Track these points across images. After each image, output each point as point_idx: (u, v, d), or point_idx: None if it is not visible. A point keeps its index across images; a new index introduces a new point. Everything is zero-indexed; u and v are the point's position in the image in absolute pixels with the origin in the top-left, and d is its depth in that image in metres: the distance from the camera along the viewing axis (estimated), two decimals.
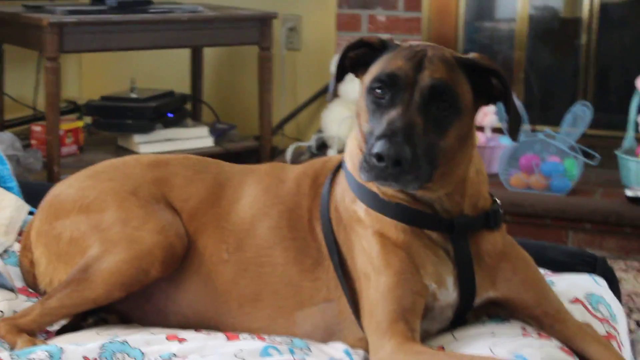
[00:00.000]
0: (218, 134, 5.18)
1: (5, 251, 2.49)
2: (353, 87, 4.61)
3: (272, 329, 2.09)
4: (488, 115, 4.64)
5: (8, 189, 2.82)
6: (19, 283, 2.33)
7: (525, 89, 5.05)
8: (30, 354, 1.88)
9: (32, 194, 2.76)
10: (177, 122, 5.06)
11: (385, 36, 2.02)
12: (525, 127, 4.42)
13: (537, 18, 5.05)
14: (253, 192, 2.19)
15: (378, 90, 1.91)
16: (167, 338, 2.01)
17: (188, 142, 5.00)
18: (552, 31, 5.07)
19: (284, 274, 2.10)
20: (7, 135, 4.63)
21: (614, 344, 2.13)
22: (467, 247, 2.01)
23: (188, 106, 5.30)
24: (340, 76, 2.04)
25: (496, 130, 4.80)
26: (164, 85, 5.28)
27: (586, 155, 4.41)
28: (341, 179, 2.10)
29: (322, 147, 5.15)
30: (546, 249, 2.58)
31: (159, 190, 2.22)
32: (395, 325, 1.91)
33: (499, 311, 2.10)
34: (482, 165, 2.08)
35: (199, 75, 5.45)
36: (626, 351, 2.19)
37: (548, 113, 5.03)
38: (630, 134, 4.53)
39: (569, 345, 2.02)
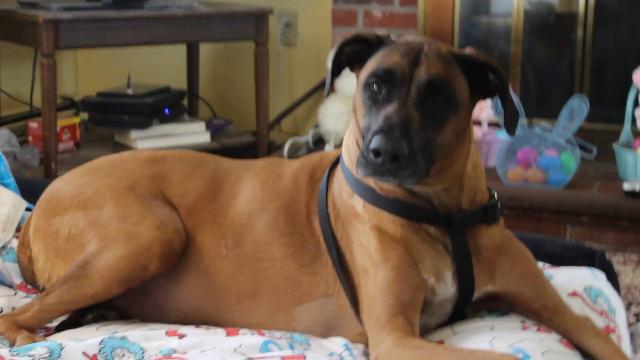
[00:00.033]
0: (215, 129, 5.18)
1: (3, 247, 2.49)
2: (349, 82, 4.62)
3: (271, 324, 2.09)
4: (485, 109, 4.64)
5: (5, 185, 2.82)
6: (17, 279, 2.34)
7: (522, 83, 5.05)
8: (30, 351, 1.88)
9: (30, 191, 2.77)
10: (173, 118, 5.05)
11: (381, 31, 2.01)
12: (522, 121, 4.42)
13: (532, 13, 5.05)
14: (250, 187, 2.20)
15: (374, 86, 1.91)
16: (167, 334, 2.01)
17: (185, 137, 4.99)
18: (548, 26, 5.07)
19: (282, 269, 2.10)
20: (3, 132, 4.63)
21: (613, 337, 2.13)
22: (465, 242, 2.01)
23: (184, 102, 5.30)
24: (336, 71, 2.04)
25: (493, 125, 4.80)
26: (160, 81, 5.28)
27: (583, 148, 4.41)
28: (338, 174, 2.10)
29: (319, 142, 5.15)
30: (544, 242, 2.59)
31: (156, 186, 2.22)
32: (394, 320, 1.91)
33: (498, 305, 2.11)
34: (480, 159, 2.08)
35: (195, 71, 5.44)
36: (625, 344, 2.19)
37: (545, 107, 5.03)
38: (627, 127, 4.53)
39: (568, 338, 2.02)
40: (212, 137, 5.11)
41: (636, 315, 3.56)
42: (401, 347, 1.86)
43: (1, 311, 2.19)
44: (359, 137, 1.96)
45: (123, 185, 2.21)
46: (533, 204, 4.35)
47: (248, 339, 1.97)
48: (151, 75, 5.45)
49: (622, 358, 2.00)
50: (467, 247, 2.01)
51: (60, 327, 2.18)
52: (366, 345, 1.99)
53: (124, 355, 1.93)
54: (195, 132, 5.06)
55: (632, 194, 4.26)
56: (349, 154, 2.05)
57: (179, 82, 5.41)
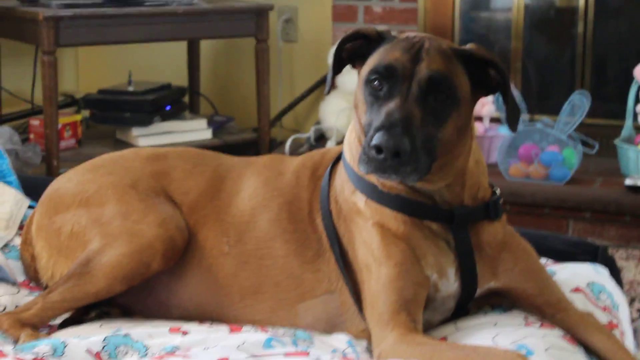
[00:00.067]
0: (216, 126, 5.18)
1: (6, 245, 2.49)
2: (351, 78, 4.62)
3: (274, 321, 2.09)
4: (486, 105, 4.63)
5: (7, 183, 2.82)
6: (20, 277, 2.34)
7: (523, 78, 5.04)
8: (33, 348, 1.88)
9: (32, 188, 2.77)
10: (175, 115, 5.05)
11: (381, 27, 2.01)
12: (524, 116, 4.41)
13: (533, 8, 5.04)
14: (252, 184, 2.19)
15: (375, 82, 1.91)
16: (170, 331, 2.02)
17: (186, 134, 4.99)
18: (548, 21, 5.06)
19: (284, 266, 2.10)
20: (5, 130, 4.63)
21: (616, 332, 2.13)
22: (468, 238, 2.01)
23: (186, 99, 5.29)
24: (337, 68, 2.04)
25: (495, 120, 4.80)
26: (161, 78, 5.27)
27: (585, 144, 4.41)
28: (340, 171, 2.10)
29: (321, 138, 5.15)
30: (547, 238, 2.58)
31: (158, 184, 2.22)
32: (397, 317, 1.91)
33: (501, 301, 2.11)
34: (482, 155, 2.08)
35: (196, 68, 5.44)
36: (628, 340, 2.19)
37: (546, 102, 5.02)
38: (628, 122, 4.52)
39: (571, 334, 2.02)
40: (214, 134, 5.10)
41: (639, 310, 3.56)
42: (404, 344, 1.86)
43: (4, 309, 2.19)
44: (361, 133, 1.96)
45: (125, 182, 2.21)
46: (535, 199, 4.35)
47: (251, 336, 1.98)
48: (152, 72, 5.44)
49: (625, 354, 2.00)
50: (470, 243, 2.01)
51: (64, 325, 2.19)
52: (369, 341, 1.99)
53: (127, 352, 1.93)
54: (197, 129, 5.05)
55: (634, 189, 4.26)
56: (351, 150, 2.05)
57: (180, 79, 5.41)
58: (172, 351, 1.92)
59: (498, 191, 2.09)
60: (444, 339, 1.99)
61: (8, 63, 5.17)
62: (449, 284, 2.01)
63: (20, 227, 2.58)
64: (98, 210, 2.17)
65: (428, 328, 2.03)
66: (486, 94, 2.01)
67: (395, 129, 1.81)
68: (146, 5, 4.71)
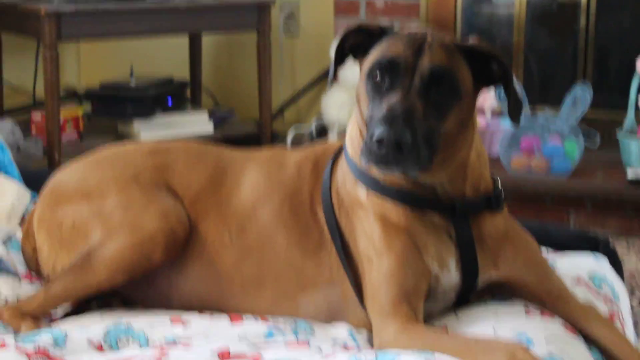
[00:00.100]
0: (218, 119, 5.18)
1: (8, 238, 2.49)
2: (352, 72, 4.59)
3: (275, 312, 2.09)
4: (488, 98, 4.63)
5: (9, 176, 2.82)
6: (22, 269, 2.34)
7: (525, 71, 5.04)
8: (34, 339, 1.89)
9: (33, 181, 2.77)
10: (176, 109, 5.05)
11: (383, 21, 2.01)
12: (526, 109, 4.41)
13: (535, 1, 5.04)
14: (254, 177, 2.20)
15: (378, 76, 1.91)
16: (171, 321, 2.02)
17: (188, 128, 4.99)
18: (550, 14, 5.06)
19: (286, 258, 2.10)
20: (7, 123, 4.64)
21: (617, 323, 2.13)
22: (469, 230, 2.01)
23: (187, 92, 5.30)
24: (339, 62, 2.04)
25: (496, 113, 4.80)
26: (162, 72, 5.28)
27: (587, 136, 4.41)
28: (342, 164, 2.10)
29: (322, 132, 5.15)
30: (548, 230, 2.58)
31: (160, 177, 2.23)
32: (399, 308, 1.91)
33: (502, 292, 2.11)
34: (483, 148, 2.08)
35: (197, 62, 5.44)
36: (629, 330, 2.20)
37: (548, 95, 5.02)
38: (630, 115, 4.52)
39: (572, 324, 2.01)
40: (215, 127, 5.11)
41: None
42: (405, 334, 1.86)
43: (6, 301, 2.19)
44: (363, 126, 1.96)
45: (127, 175, 2.21)
46: (537, 192, 4.35)
47: (252, 326, 1.98)
48: (154, 66, 5.45)
49: (625, 344, 2.00)
50: (471, 235, 2.01)
51: (65, 316, 2.19)
52: (370, 332, 1.99)
53: (128, 342, 1.93)
54: (198, 123, 5.06)
55: (636, 182, 4.26)
56: (353, 143, 2.06)
57: (182, 72, 5.41)
58: (174, 341, 1.92)
59: (500, 183, 2.09)
60: (445, 327, 1.99)
61: (10, 57, 5.18)
62: (450, 276, 2.01)
63: (22, 220, 2.58)
64: (99, 203, 2.17)
65: (429, 319, 2.03)
66: (488, 88, 2.01)
67: (397, 121, 1.81)
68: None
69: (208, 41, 5.53)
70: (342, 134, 4.67)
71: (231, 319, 2.04)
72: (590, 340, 2.01)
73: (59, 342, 1.88)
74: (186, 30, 5.12)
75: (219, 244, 2.15)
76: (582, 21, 4.90)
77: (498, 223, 2.06)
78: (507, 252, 2.05)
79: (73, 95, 5.51)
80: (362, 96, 1.95)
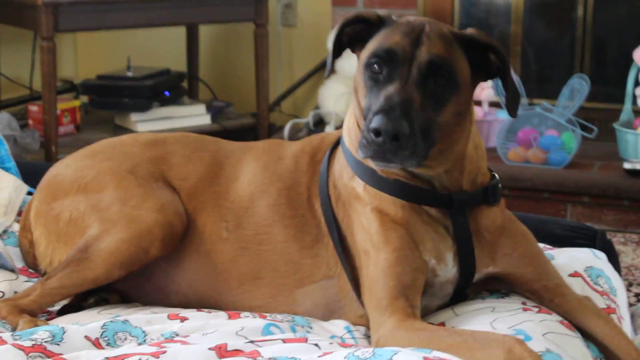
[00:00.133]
0: (215, 111, 5.18)
1: (5, 231, 2.49)
2: (350, 63, 4.61)
3: (273, 307, 2.09)
4: (485, 89, 4.63)
5: (6, 169, 2.82)
6: (19, 263, 2.34)
7: (522, 62, 5.04)
8: (32, 334, 1.88)
9: (30, 174, 2.77)
10: (173, 100, 5.05)
11: (381, 11, 2.01)
12: (523, 101, 4.41)
13: None
14: (251, 169, 2.19)
15: (375, 66, 1.90)
16: (169, 317, 2.01)
17: (185, 120, 4.99)
18: (548, 4, 5.05)
19: (283, 252, 2.10)
20: (4, 115, 4.63)
21: (614, 317, 2.13)
22: (466, 223, 2.01)
23: (184, 84, 5.29)
24: (337, 52, 2.03)
25: (494, 105, 4.80)
26: (160, 64, 5.27)
27: (584, 128, 4.41)
28: (339, 156, 2.10)
29: (320, 123, 5.15)
30: (545, 223, 2.59)
31: (157, 169, 2.22)
32: (396, 302, 1.91)
33: (499, 286, 2.11)
34: (481, 140, 2.08)
35: (195, 53, 5.44)
36: (626, 324, 2.20)
37: (545, 86, 5.02)
38: (627, 106, 4.52)
39: (569, 319, 2.02)
40: (213, 119, 5.10)
41: (637, 295, 3.56)
42: (402, 330, 1.86)
43: (3, 295, 2.19)
44: (360, 117, 1.95)
45: (124, 168, 2.21)
46: (534, 184, 4.35)
47: (250, 322, 1.98)
48: (151, 58, 5.44)
49: (623, 338, 2.00)
50: (468, 228, 2.01)
51: (62, 311, 2.19)
52: (368, 327, 1.99)
53: (126, 338, 1.93)
54: (196, 114, 5.05)
55: (633, 173, 4.26)
56: (350, 135, 2.05)
57: (179, 64, 5.40)
58: (171, 337, 1.92)
59: (497, 176, 2.09)
60: (442, 324, 1.99)
61: (7, 49, 5.17)
62: (447, 269, 2.01)
63: (19, 213, 2.58)
64: (96, 196, 2.17)
65: (426, 313, 2.03)
66: (486, 79, 2.01)
67: (395, 112, 1.81)
68: None
69: (205, 32, 5.52)
70: (339, 125, 4.67)
71: (229, 315, 2.04)
72: (587, 335, 2.02)
73: (56, 338, 1.87)
74: (183, 22, 5.11)
75: (216, 237, 2.15)
76: (580, 12, 4.89)
77: (495, 216, 2.05)
78: (505, 245, 2.05)
79: (70, 87, 5.51)
80: (359, 87, 1.94)
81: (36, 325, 1.98)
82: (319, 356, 1.79)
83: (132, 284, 2.18)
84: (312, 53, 5.36)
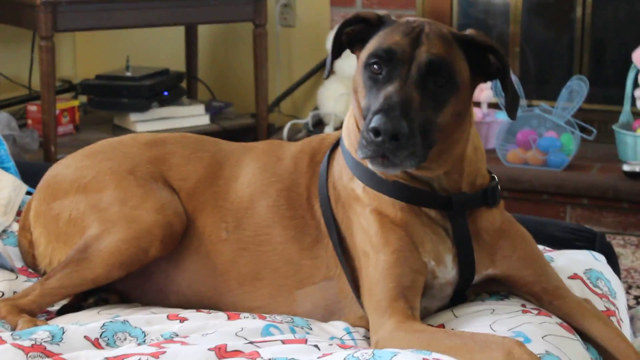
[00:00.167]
0: (214, 111, 5.18)
1: (4, 231, 2.49)
2: (349, 63, 4.61)
3: (273, 308, 2.09)
4: (484, 90, 4.63)
5: (5, 169, 2.82)
6: (18, 263, 2.34)
7: (521, 63, 5.04)
8: (31, 334, 1.88)
9: (29, 174, 2.77)
10: (172, 101, 5.05)
11: (380, 11, 2.01)
12: (522, 102, 4.41)
13: None
14: (251, 170, 2.19)
15: (375, 66, 1.90)
16: (169, 317, 2.01)
17: (184, 120, 4.99)
18: (546, 5, 5.06)
19: (283, 253, 2.10)
20: (3, 115, 4.63)
21: (613, 320, 2.13)
22: (466, 225, 2.01)
23: (183, 84, 5.29)
24: (336, 52, 2.03)
25: (492, 106, 4.80)
26: (158, 64, 5.27)
27: (583, 130, 4.41)
28: (339, 157, 2.10)
29: (319, 124, 5.15)
30: (545, 225, 2.59)
31: (157, 169, 2.22)
32: (395, 304, 1.91)
33: (499, 288, 2.11)
34: (480, 142, 2.08)
35: (194, 53, 5.43)
36: (625, 327, 2.20)
37: (544, 88, 5.02)
38: (626, 108, 4.53)
39: (569, 321, 2.02)
40: (212, 119, 5.10)
41: (636, 298, 3.56)
42: (402, 331, 1.86)
43: (2, 295, 2.19)
44: (359, 117, 1.95)
45: (123, 168, 2.21)
46: (533, 185, 4.36)
47: (249, 323, 1.98)
48: (150, 58, 5.44)
49: (622, 341, 2.00)
50: (468, 230, 2.01)
51: (62, 311, 2.19)
52: (367, 329, 1.99)
53: (125, 339, 1.93)
54: (195, 115, 5.05)
55: (632, 176, 4.26)
56: (349, 136, 2.05)
57: (178, 64, 5.40)
58: (171, 338, 1.91)
59: (496, 178, 2.09)
60: (442, 326, 1.99)
61: (5, 48, 5.17)
62: (447, 271, 2.01)
63: (18, 213, 2.58)
64: (96, 196, 2.17)
65: (426, 315, 2.03)
66: (485, 80, 2.01)
67: (394, 112, 1.81)
68: None
69: (204, 32, 5.52)
70: (338, 126, 4.67)
71: (228, 316, 2.04)
72: (586, 337, 2.02)
73: (56, 338, 1.87)
74: (182, 22, 5.11)
75: (215, 238, 2.15)
76: (579, 12, 4.89)
77: (494, 218, 2.05)
78: (504, 247, 2.05)
79: (69, 87, 5.51)
80: (359, 87, 1.94)
81: (36, 325, 1.98)
82: (319, 357, 1.79)
83: (131, 284, 2.18)
84: (311, 53, 5.36)
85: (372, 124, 1.80)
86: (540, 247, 2.26)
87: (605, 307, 2.17)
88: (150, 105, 4.89)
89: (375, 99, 1.87)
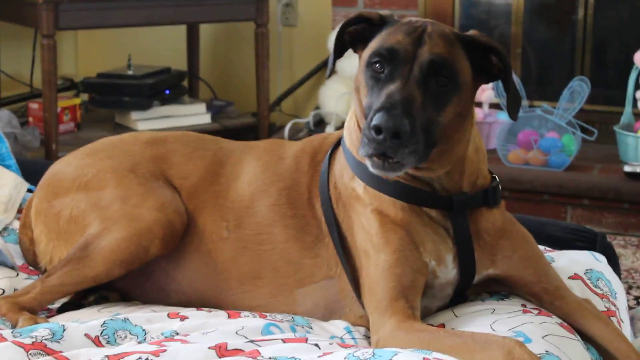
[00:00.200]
0: (215, 110, 5.18)
1: (5, 229, 2.49)
2: (350, 63, 4.61)
3: (273, 307, 2.09)
4: (486, 91, 4.63)
5: (6, 166, 2.82)
6: (19, 261, 2.34)
7: (523, 64, 5.04)
8: (32, 332, 1.88)
9: (31, 172, 2.77)
10: (174, 99, 5.05)
11: (382, 11, 2.01)
12: (523, 102, 4.41)
13: None
14: (252, 169, 2.19)
15: (377, 65, 1.90)
16: (169, 316, 2.02)
17: (185, 119, 4.99)
18: (548, 6, 5.06)
19: (284, 252, 2.10)
20: (4, 113, 4.63)
21: (614, 320, 2.13)
22: (466, 225, 2.01)
23: (185, 83, 5.29)
24: (339, 52, 2.03)
25: (494, 106, 4.80)
26: (160, 62, 5.27)
27: (584, 130, 4.41)
28: (340, 156, 2.10)
29: (320, 123, 5.15)
30: (545, 225, 2.59)
31: (157, 168, 2.22)
32: (396, 303, 1.91)
33: (499, 288, 2.11)
34: (482, 143, 2.08)
35: (195, 52, 5.43)
36: (626, 327, 2.20)
37: (545, 88, 5.02)
38: (628, 109, 4.52)
39: (569, 321, 2.02)
40: (213, 118, 5.10)
41: (636, 298, 3.56)
42: (402, 331, 1.86)
43: (3, 292, 2.19)
44: (361, 117, 1.95)
45: (124, 166, 2.21)
46: (534, 186, 4.35)
47: (250, 322, 1.98)
48: (151, 56, 5.44)
49: (622, 341, 2.00)
50: (468, 230, 2.01)
51: (62, 309, 2.19)
52: (367, 328, 1.99)
53: (126, 337, 1.93)
54: (196, 114, 5.05)
55: (633, 176, 4.26)
56: (351, 136, 2.05)
57: (179, 63, 5.40)
58: (171, 336, 1.92)
59: (497, 178, 2.09)
60: (442, 325, 1.99)
61: (7, 46, 5.17)
62: (447, 271, 2.01)
63: (19, 211, 2.58)
64: (97, 194, 2.17)
65: (426, 315, 2.03)
66: (487, 81, 2.01)
67: (396, 110, 1.80)
68: None
69: (206, 31, 5.52)
70: (339, 126, 4.67)
71: (229, 314, 2.04)
72: (587, 337, 2.02)
73: (56, 336, 1.88)
74: (184, 20, 5.10)
75: (216, 236, 2.15)
76: (580, 13, 4.89)
77: (495, 218, 2.05)
78: (504, 247, 2.05)
79: (70, 85, 5.51)
80: (361, 86, 1.94)
81: (36, 323, 1.98)
82: (319, 356, 1.80)
83: (132, 282, 2.19)
84: (313, 53, 5.36)
85: (374, 122, 1.80)
86: (541, 247, 2.26)
87: (606, 307, 2.17)
88: (152, 104, 4.89)
89: (377, 98, 1.86)
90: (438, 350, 1.78)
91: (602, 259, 2.36)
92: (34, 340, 1.85)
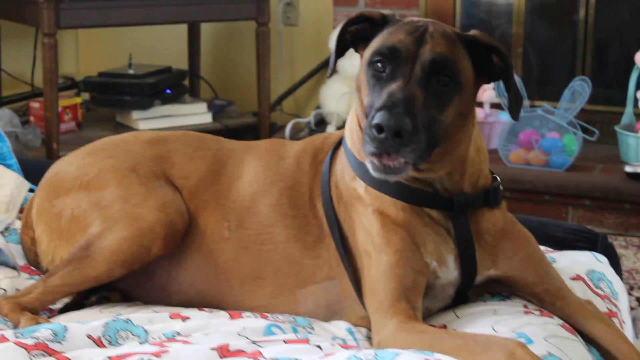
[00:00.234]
0: (216, 110, 5.18)
1: (7, 228, 2.49)
2: (351, 62, 4.61)
3: (274, 307, 2.09)
4: (487, 90, 4.63)
5: (8, 166, 2.82)
6: (21, 261, 2.34)
7: (524, 64, 5.04)
8: (34, 332, 1.88)
9: (32, 171, 2.77)
10: (175, 99, 5.05)
11: (383, 11, 2.01)
12: (524, 102, 4.41)
13: None
14: (253, 169, 2.19)
15: (378, 64, 1.90)
16: (171, 316, 2.01)
17: (186, 118, 4.99)
18: (549, 6, 5.06)
19: (285, 252, 2.10)
20: (5, 112, 4.63)
21: (615, 321, 2.13)
22: (468, 226, 2.01)
23: (186, 82, 5.29)
24: (340, 51, 2.03)
25: (495, 106, 4.80)
26: (161, 61, 5.27)
27: (585, 131, 4.41)
28: (341, 156, 2.10)
29: (321, 123, 5.15)
30: (547, 226, 2.58)
31: (159, 167, 2.22)
32: (397, 304, 1.91)
33: (501, 289, 2.11)
34: (483, 143, 2.08)
35: (196, 51, 5.44)
36: (627, 328, 2.20)
37: (546, 88, 5.02)
38: (629, 109, 4.52)
39: (571, 322, 2.02)
40: (214, 117, 5.10)
41: (638, 299, 3.56)
42: (404, 332, 1.86)
43: (4, 293, 2.19)
44: (362, 116, 1.95)
45: (125, 166, 2.21)
46: (535, 186, 4.35)
47: (251, 322, 1.98)
48: (152, 55, 5.44)
49: (624, 342, 2.00)
50: (469, 230, 2.01)
51: (64, 309, 2.19)
52: (369, 329, 1.99)
53: (127, 337, 1.93)
54: (197, 113, 5.06)
55: (634, 177, 4.26)
56: (352, 135, 2.05)
57: (180, 62, 5.40)
58: (173, 336, 1.92)
59: (498, 179, 2.08)
60: (444, 326, 1.99)
61: (8, 45, 5.17)
62: (449, 272, 2.01)
63: (21, 211, 2.58)
64: (98, 194, 2.17)
65: (427, 315, 2.03)
66: (489, 81, 2.00)
67: (397, 108, 1.80)
68: None
69: (207, 30, 5.52)
70: (340, 125, 4.67)
71: (231, 315, 2.04)
72: (588, 338, 2.01)
73: (58, 336, 1.87)
74: (185, 20, 5.11)
75: (217, 237, 2.15)
76: (582, 13, 4.89)
77: (496, 219, 2.05)
78: (506, 248, 2.05)
79: (71, 84, 5.51)
80: (362, 85, 1.94)
81: (38, 323, 1.98)
82: (321, 357, 1.79)
83: (133, 282, 2.18)
84: (314, 52, 5.36)
85: (375, 120, 1.80)
86: (542, 247, 2.26)
87: (607, 308, 2.17)
88: (153, 103, 4.89)
89: (378, 97, 1.86)
90: (440, 351, 1.78)
91: (604, 259, 2.36)
92: (35, 340, 1.85)
